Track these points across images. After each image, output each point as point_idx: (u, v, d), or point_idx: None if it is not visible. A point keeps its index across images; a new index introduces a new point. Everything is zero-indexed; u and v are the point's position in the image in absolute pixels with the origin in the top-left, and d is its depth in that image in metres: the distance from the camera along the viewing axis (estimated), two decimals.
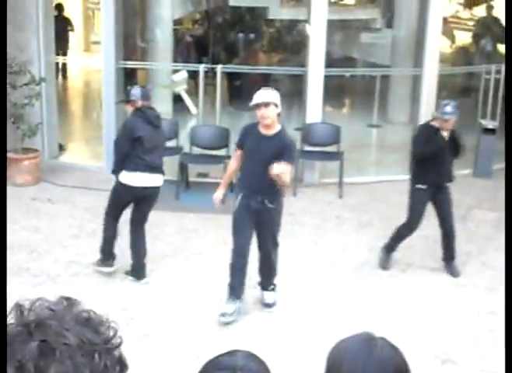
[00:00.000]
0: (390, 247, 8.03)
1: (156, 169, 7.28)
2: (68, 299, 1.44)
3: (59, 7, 16.27)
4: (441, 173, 7.71)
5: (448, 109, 7.49)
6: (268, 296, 7.19)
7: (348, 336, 2.25)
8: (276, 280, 7.27)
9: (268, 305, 7.16)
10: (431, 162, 7.60)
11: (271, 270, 7.16)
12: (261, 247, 6.96)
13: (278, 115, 6.64)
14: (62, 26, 15.95)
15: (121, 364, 1.41)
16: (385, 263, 8.05)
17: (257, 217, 6.74)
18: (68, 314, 1.39)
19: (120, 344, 1.41)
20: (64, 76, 16.11)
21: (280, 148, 6.51)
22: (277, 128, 6.67)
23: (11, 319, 1.37)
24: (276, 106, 6.56)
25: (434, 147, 7.52)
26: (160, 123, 7.39)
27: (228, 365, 2.09)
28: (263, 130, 6.66)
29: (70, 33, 16.85)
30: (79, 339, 1.34)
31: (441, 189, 7.81)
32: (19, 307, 1.39)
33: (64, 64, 15.68)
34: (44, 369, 1.30)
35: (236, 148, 7.01)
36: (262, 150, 6.57)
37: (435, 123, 7.62)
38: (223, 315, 6.81)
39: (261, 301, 7.20)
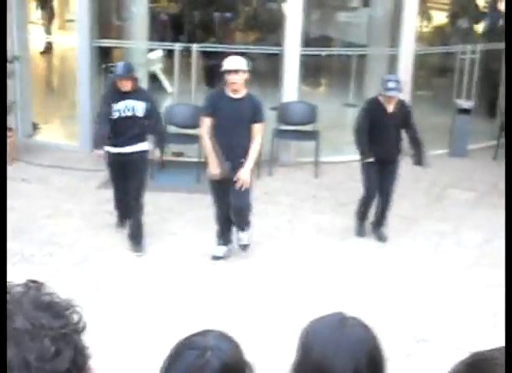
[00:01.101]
0: (359, 214, 8.34)
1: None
2: (33, 282, 1.40)
3: None
4: (386, 147, 7.86)
5: (391, 85, 7.60)
6: (244, 236, 7.68)
7: (320, 315, 2.24)
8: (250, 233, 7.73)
9: (245, 246, 7.73)
10: (375, 137, 7.80)
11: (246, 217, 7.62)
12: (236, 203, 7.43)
13: (245, 80, 7.18)
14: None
15: (79, 349, 1.36)
16: (360, 232, 8.35)
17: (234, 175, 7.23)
18: (26, 297, 1.35)
19: (82, 329, 1.37)
20: (49, 52, 16.07)
21: (251, 109, 7.15)
22: (244, 92, 7.19)
23: None
24: (244, 72, 7.11)
25: (374, 119, 7.74)
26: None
27: (199, 345, 2.09)
28: (232, 94, 7.14)
29: (48, 9, 16.78)
30: (30, 323, 1.30)
31: (390, 163, 7.98)
32: None
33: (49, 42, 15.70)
34: None
35: (204, 116, 7.33)
36: (236, 111, 7.11)
37: (380, 98, 7.79)
38: (214, 257, 7.66)
39: (238, 243, 7.73)
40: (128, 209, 7.84)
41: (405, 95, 10.81)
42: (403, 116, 7.85)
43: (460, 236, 8.43)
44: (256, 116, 7.17)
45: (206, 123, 7.26)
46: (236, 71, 7.03)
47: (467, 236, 8.41)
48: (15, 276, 1.47)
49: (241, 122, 7.11)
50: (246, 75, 7.13)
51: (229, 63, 7.09)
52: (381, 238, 8.22)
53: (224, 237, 7.66)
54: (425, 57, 12.90)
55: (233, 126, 7.09)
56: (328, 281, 7.30)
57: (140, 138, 7.66)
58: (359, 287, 7.21)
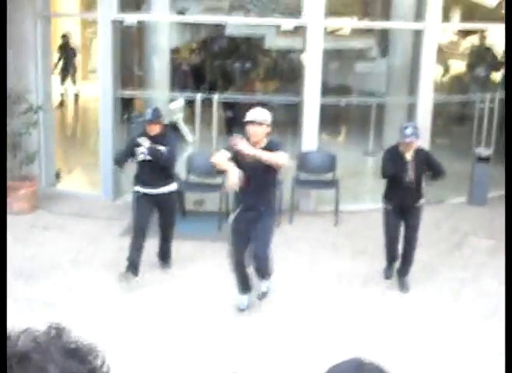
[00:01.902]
0: (386, 257, 8.38)
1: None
2: (56, 328, 1.42)
3: (65, 36, 16.59)
4: (405, 195, 7.86)
5: (408, 131, 7.63)
6: (264, 284, 7.66)
7: (338, 362, 2.27)
8: (274, 283, 7.80)
9: (263, 294, 7.69)
10: (394, 184, 7.87)
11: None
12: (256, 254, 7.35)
13: (267, 134, 7.08)
14: (68, 55, 16.26)
15: None
16: (386, 275, 8.43)
17: (254, 226, 7.14)
18: (54, 345, 1.37)
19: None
20: (75, 102, 16.39)
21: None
22: (264, 141, 7.06)
23: None
24: (267, 124, 7.03)
25: (395, 169, 7.74)
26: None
27: None
28: (252, 146, 6.99)
29: (75, 60, 17.14)
30: (62, 371, 1.32)
31: (410, 211, 7.97)
32: (6, 338, 1.37)
33: (75, 94, 16.04)
34: None
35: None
36: (255, 162, 6.91)
37: (399, 147, 7.80)
38: (240, 309, 7.58)
39: (257, 291, 7.66)
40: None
41: (424, 143, 10.88)
42: (422, 162, 7.85)
43: (479, 284, 8.41)
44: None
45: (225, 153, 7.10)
46: (259, 123, 6.96)
47: (486, 284, 8.38)
48: (36, 322, 1.49)
49: (260, 172, 6.97)
50: (268, 128, 7.05)
51: (252, 114, 7.04)
52: (403, 287, 8.16)
53: (244, 284, 7.57)
54: (443, 105, 12.98)
55: (253, 177, 6.99)
56: (348, 330, 7.30)
57: (165, 181, 8.00)
58: (379, 336, 7.20)
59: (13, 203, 10.14)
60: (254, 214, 7.14)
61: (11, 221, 9.67)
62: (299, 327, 7.31)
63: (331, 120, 13.27)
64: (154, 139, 7.77)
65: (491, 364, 6.68)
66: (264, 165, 6.91)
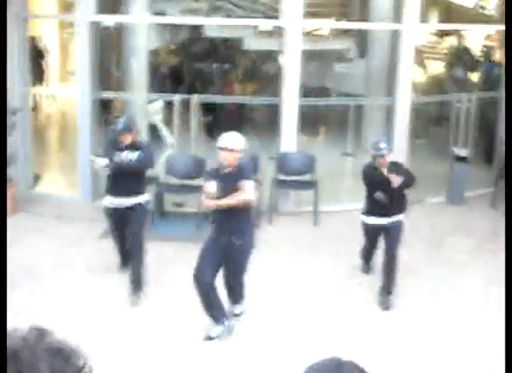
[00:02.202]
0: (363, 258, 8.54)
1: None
2: (38, 329, 1.45)
3: (32, 39, 16.38)
4: (386, 209, 7.85)
5: (382, 145, 7.70)
6: (237, 307, 7.55)
7: (316, 361, 2.28)
8: (248, 306, 7.56)
9: (237, 315, 7.52)
10: (374, 199, 7.88)
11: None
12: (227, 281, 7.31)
13: (238, 159, 6.91)
14: (35, 57, 16.06)
15: None
16: (365, 269, 8.63)
17: (225, 253, 6.99)
18: (40, 344, 1.40)
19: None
20: (37, 107, 16.17)
21: (240, 179, 6.85)
22: (234, 166, 6.92)
23: None
24: (238, 151, 6.86)
25: (372, 185, 7.82)
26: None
27: None
28: (224, 169, 6.93)
29: (44, 63, 16.99)
30: (50, 370, 1.36)
31: (392, 225, 7.89)
32: None
33: (39, 95, 15.77)
34: None
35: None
36: (225, 187, 6.83)
37: (375, 162, 7.78)
38: (210, 337, 7.14)
39: (231, 312, 7.47)
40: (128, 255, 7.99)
41: (403, 144, 10.96)
42: (399, 172, 7.77)
43: (459, 283, 8.46)
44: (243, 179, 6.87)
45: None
46: (230, 150, 6.82)
47: (467, 283, 8.43)
48: (18, 326, 1.51)
49: (226, 194, 6.82)
50: (239, 154, 6.87)
51: (224, 140, 6.87)
52: (385, 305, 7.88)
53: (215, 310, 7.14)
54: (421, 106, 13.05)
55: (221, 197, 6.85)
56: (329, 330, 7.31)
57: (138, 190, 7.84)
58: (360, 337, 7.22)
59: None
60: (226, 241, 6.93)
61: None
62: (279, 329, 7.32)
63: (309, 121, 13.28)
64: (128, 148, 7.67)
65: (471, 360, 6.72)
66: (230, 190, 6.80)
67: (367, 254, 8.50)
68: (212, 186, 6.90)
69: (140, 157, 7.68)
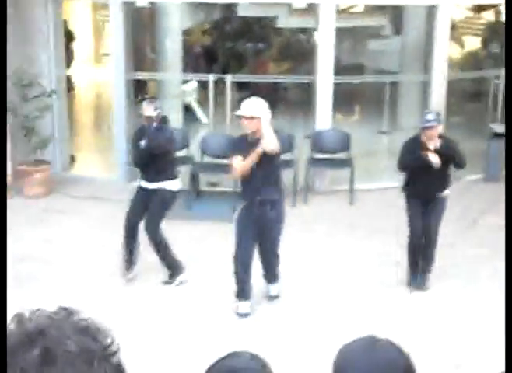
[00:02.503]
0: (410, 264, 7.83)
1: None
2: (65, 309, 1.45)
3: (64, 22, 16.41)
4: (430, 186, 7.55)
5: (429, 117, 7.42)
6: (273, 288, 7.49)
7: (352, 339, 2.26)
8: (283, 286, 7.49)
9: (273, 297, 7.47)
10: (418, 176, 7.52)
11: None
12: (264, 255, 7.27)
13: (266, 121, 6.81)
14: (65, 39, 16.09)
15: (120, 370, 1.43)
16: (413, 283, 7.83)
17: (259, 225, 6.96)
18: (67, 322, 1.41)
19: (117, 351, 1.43)
20: (70, 88, 16.22)
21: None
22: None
23: (11, 329, 1.39)
24: (260, 119, 6.74)
25: (418, 161, 7.40)
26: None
27: (232, 367, 2.11)
28: (251, 136, 6.86)
29: (73, 45, 17.00)
30: (79, 346, 1.36)
31: (433, 201, 7.66)
32: (19, 317, 1.41)
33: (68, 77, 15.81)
34: None
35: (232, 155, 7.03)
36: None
37: (422, 137, 7.46)
38: (239, 314, 7.15)
39: (267, 294, 7.47)
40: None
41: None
42: (446, 152, 7.46)
43: (496, 262, 8.37)
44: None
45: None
46: (249, 118, 6.77)
47: (503, 262, 8.33)
48: (53, 305, 1.52)
49: (261, 161, 6.78)
50: (263, 119, 6.75)
51: (242, 108, 6.84)
52: (422, 284, 7.78)
53: (245, 291, 7.19)
54: (458, 82, 12.90)
55: (255, 166, 6.80)
56: (363, 310, 7.29)
57: (159, 175, 7.62)
58: (393, 316, 7.19)
59: (28, 187, 10.17)
60: (259, 212, 6.90)
61: (26, 205, 9.71)
62: (314, 308, 7.31)
63: (344, 99, 13.20)
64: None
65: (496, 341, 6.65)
66: (263, 158, 6.75)
67: (413, 256, 7.82)
68: (237, 161, 6.86)
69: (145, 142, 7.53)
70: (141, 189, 7.71)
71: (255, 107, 6.80)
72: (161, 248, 7.67)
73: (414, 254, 7.75)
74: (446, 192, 7.71)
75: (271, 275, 7.43)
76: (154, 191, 7.61)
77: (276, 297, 7.50)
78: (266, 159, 6.76)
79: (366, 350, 2.18)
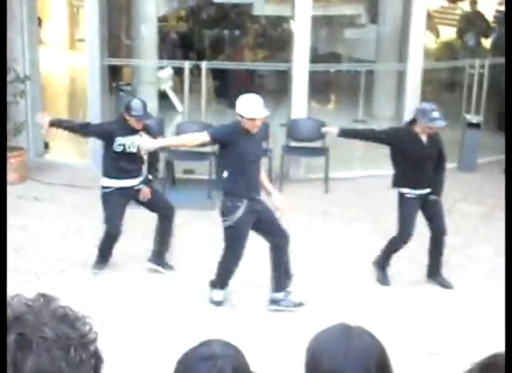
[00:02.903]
0: (383, 261, 7.71)
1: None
2: (44, 296, 1.47)
3: None
4: (425, 181, 7.39)
5: (436, 114, 7.16)
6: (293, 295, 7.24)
7: (325, 327, 2.27)
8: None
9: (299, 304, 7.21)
10: (412, 170, 7.34)
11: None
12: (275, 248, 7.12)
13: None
14: None
15: (97, 357, 1.45)
16: (385, 282, 7.70)
17: (259, 216, 6.94)
18: (45, 309, 1.42)
19: (95, 339, 1.45)
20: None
21: (262, 139, 7.08)
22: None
23: None
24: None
25: (409, 152, 7.27)
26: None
27: (207, 355, 2.11)
28: (251, 131, 6.77)
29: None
30: (55, 333, 1.37)
31: (430, 202, 7.48)
32: None
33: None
34: (21, 362, 1.34)
35: (209, 136, 6.83)
36: (254, 147, 6.82)
37: (416, 128, 7.30)
38: (214, 302, 7.14)
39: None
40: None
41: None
42: (437, 146, 7.46)
43: (471, 250, 8.44)
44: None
45: (203, 137, 6.85)
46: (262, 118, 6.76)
47: (478, 250, 8.41)
48: (29, 293, 1.51)
49: (258, 156, 6.98)
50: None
51: (256, 109, 6.64)
52: (448, 285, 7.63)
53: (226, 283, 7.23)
54: (433, 72, 12.96)
55: (252, 165, 6.84)
56: (338, 297, 7.32)
57: (140, 172, 7.64)
58: (370, 303, 7.23)
59: None
60: (260, 206, 6.95)
61: None
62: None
63: (320, 87, 13.22)
64: (135, 131, 7.39)
65: (484, 327, 6.71)
66: (259, 151, 6.88)
67: (391, 253, 7.66)
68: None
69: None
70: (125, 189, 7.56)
71: (263, 106, 6.74)
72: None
73: (395, 251, 7.62)
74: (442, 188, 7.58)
75: (286, 269, 7.22)
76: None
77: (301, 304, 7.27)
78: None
79: (341, 338, 2.20)
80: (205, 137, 6.84)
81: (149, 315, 6.90)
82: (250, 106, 6.65)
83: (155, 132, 7.74)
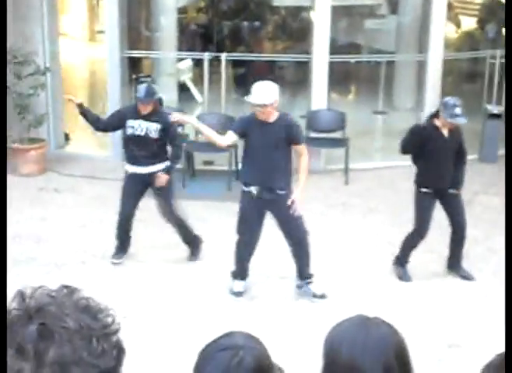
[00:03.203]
0: (402, 259, 7.63)
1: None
2: (67, 287, 1.48)
3: None
4: (446, 176, 7.31)
5: (458, 111, 7.11)
6: (313, 286, 7.21)
7: (343, 319, 2.27)
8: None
9: (321, 296, 7.17)
10: (432, 165, 7.26)
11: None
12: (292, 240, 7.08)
13: (275, 108, 6.71)
14: None
15: (119, 348, 1.46)
16: (405, 277, 7.60)
17: (271, 207, 6.87)
18: (68, 300, 1.44)
19: (118, 330, 1.46)
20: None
21: (284, 130, 6.69)
22: (275, 115, 6.74)
23: (13, 306, 1.41)
24: (272, 105, 6.60)
25: (430, 146, 7.21)
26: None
27: (229, 345, 2.12)
28: (265, 120, 6.72)
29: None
30: (78, 323, 1.39)
31: (449, 196, 7.41)
32: (20, 294, 1.43)
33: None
34: (44, 351, 1.35)
35: (233, 133, 6.90)
36: (266, 136, 6.68)
37: (438, 122, 7.26)
38: (234, 293, 7.15)
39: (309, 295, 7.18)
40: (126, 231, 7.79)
41: (434, 101, 10.82)
42: (458, 140, 7.41)
43: (491, 242, 8.39)
44: (292, 137, 6.77)
45: (231, 137, 6.93)
46: (262, 106, 6.58)
47: (498, 242, 8.35)
48: (49, 284, 1.52)
49: (269, 147, 6.68)
50: (275, 105, 6.64)
51: (255, 95, 6.58)
52: (469, 277, 7.61)
53: (243, 273, 7.23)
54: (454, 62, 12.88)
55: (262, 153, 6.72)
56: (359, 288, 7.31)
57: (155, 159, 7.51)
58: (389, 295, 7.21)
59: (23, 165, 10.15)
60: (269, 196, 6.82)
61: (21, 183, 9.70)
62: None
63: (340, 78, 13.18)
64: (146, 117, 7.40)
65: (497, 322, 6.68)
66: (274, 140, 6.67)
67: (410, 250, 7.57)
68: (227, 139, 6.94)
69: (163, 132, 7.44)
70: (135, 175, 7.56)
71: (267, 94, 6.60)
72: (183, 223, 7.81)
73: (413, 248, 7.55)
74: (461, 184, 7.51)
75: (306, 261, 7.21)
76: (151, 174, 7.52)
77: (322, 297, 7.21)
78: (279, 145, 6.75)
79: (359, 328, 2.21)
80: (231, 136, 6.91)
81: (170, 306, 6.92)
82: (252, 93, 6.64)
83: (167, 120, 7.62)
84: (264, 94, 6.59)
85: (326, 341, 2.23)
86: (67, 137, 11.57)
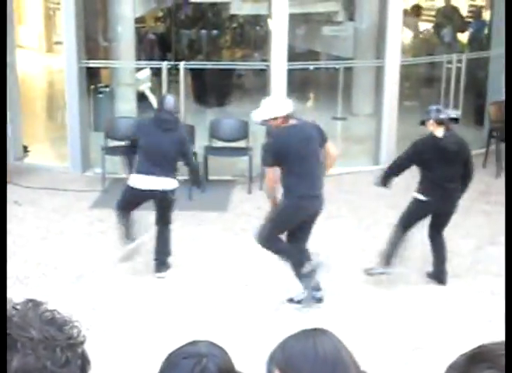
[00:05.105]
0: (390, 258, 7.53)
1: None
2: (32, 301, 1.49)
3: None
4: (447, 194, 7.33)
5: (443, 109, 7.44)
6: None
7: (288, 336, 2.26)
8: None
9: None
10: (440, 177, 7.27)
11: None
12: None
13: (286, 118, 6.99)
14: None
15: (84, 358, 1.48)
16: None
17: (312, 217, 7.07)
18: (32, 313, 1.45)
19: (83, 342, 1.48)
20: None
21: (314, 130, 7.07)
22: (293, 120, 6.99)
23: None
24: (276, 119, 6.91)
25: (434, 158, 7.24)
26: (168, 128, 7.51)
27: (192, 353, 2.13)
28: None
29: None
30: (42, 334, 1.41)
31: (447, 212, 7.46)
32: None
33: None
34: (7, 361, 1.36)
35: (269, 167, 6.91)
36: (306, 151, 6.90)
37: (429, 128, 7.37)
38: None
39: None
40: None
41: (392, 106, 10.92)
42: (463, 157, 7.44)
43: (452, 244, 8.45)
44: (321, 135, 7.09)
45: (273, 172, 6.90)
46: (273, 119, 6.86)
47: (459, 244, 8.43)
48: (13, 297, 1.52)
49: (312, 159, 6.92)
50: (278, 120, 6.90)
51: (254, 113, 7.02)
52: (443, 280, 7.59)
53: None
54: (411, 67, 13.01)
55: (307, 162, 6.92)
56: (327, 294, 7.32)
57: (167, 174, 7.52)
58: (354, 301, 7.23)
59: None
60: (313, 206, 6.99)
61: None
62: (269, 294, 7.32)
63: (299, 85, 13.24)
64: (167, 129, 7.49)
65: (466, 320, 6.74)
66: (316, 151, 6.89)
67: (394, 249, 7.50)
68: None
69: (179, 141, 7.53)
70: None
71: (265, 110, 6.94)
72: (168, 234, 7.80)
73: (397, 246, 7.51)
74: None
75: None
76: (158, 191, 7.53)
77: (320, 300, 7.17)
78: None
79: (307, 345, 2.18)
80: (272, 171, 6.92)
81: (133, 317, 6.88)
82: (268, 106, 7.00)
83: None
84: (262, 110, 6.97)
85: (277, 361, 2.17)
86: (25, 149, 11.46)
